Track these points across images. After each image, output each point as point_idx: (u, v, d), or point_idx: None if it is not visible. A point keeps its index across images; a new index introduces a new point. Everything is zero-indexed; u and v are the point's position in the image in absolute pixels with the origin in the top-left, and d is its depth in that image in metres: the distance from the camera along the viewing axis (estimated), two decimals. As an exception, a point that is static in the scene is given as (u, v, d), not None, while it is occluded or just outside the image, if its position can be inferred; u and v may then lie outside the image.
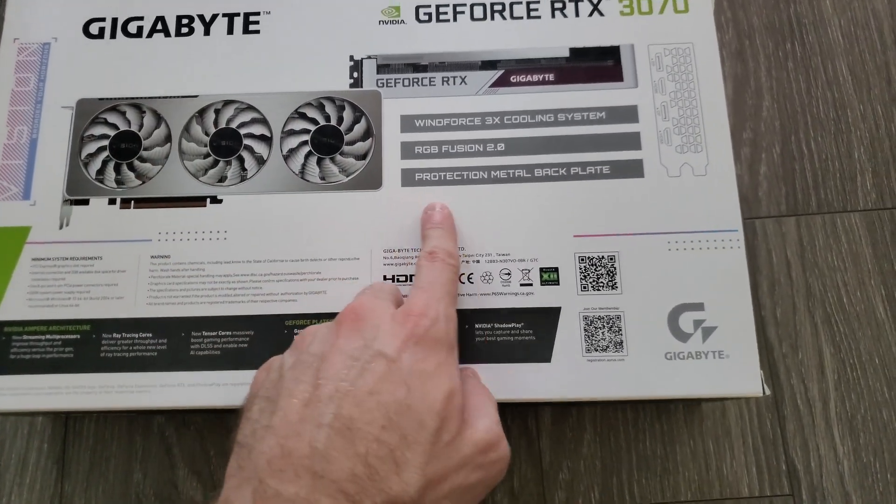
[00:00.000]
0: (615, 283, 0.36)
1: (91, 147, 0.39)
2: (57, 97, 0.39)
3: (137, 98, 0.39)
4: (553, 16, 0.40)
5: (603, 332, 0.35)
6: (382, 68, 0.39)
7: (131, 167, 0.38)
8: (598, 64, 0.39)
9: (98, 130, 0.39)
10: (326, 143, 0.38)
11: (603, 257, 0.36)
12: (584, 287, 0.36)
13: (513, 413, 0.43)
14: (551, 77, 0.39)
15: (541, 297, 0.36)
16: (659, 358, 0.35)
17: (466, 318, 0.36)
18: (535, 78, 0.39)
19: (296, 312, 0.36)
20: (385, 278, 0.36)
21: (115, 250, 0.37)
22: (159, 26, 0.41)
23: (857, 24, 0.50)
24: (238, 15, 0.41)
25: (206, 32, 0.40)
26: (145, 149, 0.39)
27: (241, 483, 0.26)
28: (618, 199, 0.37)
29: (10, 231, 0.37)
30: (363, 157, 0.38)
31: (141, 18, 0.41)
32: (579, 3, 0.40)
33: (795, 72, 0.49)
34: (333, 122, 0.39)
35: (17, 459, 0.43)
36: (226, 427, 0.43)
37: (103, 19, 0.41)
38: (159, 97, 0.39)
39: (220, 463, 0.42)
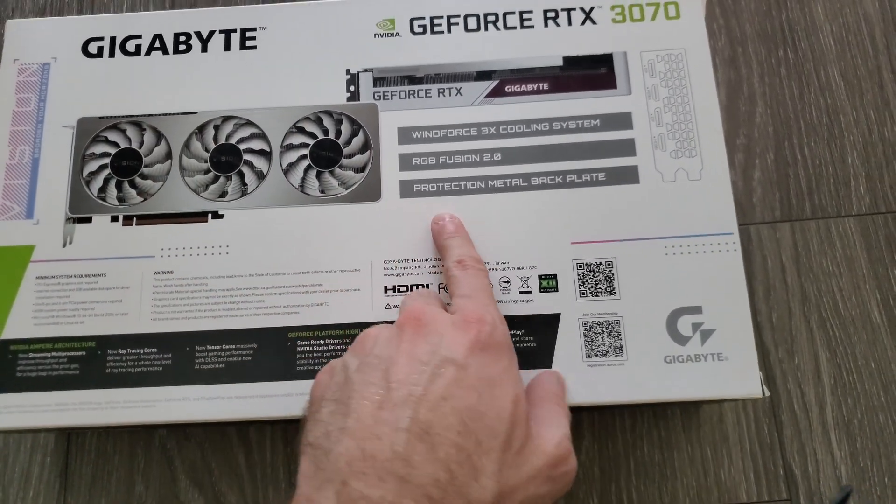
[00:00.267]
0: (613, 289, 0.36)
1: (92, 165, 0.39)
2: (58, 116, 0.40)
3: (137, 116, 0.40)
4: (546, 25, 0.41)
5: (602, 338, 0.36)
6: (379, 81, 0.40)
7: (133, 184, 0.39)
8: (592, 72, 0.40)
9: (99, 148, 0.39)
10: (325, 156, 0.39)
11: (601, 263, 0.37)
12: (583, 293, 0.36)
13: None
14: (545, 86, 0.40)
15: (540, 304, 0.36)
16: (659, 361, 0.35)
17: (467, 327, 0.36)
18: (530, 87, 0.40)
19: (298, 325, 0.36)
20: (386, 289, 0.37)
21: (119, 267, 0.37)
22: (157, 44, 0.41)
23: (849, 30, 0.51)
24: (235, 31, 0.41)
25: (204, 49, 0.41)
26: (146, 166, 0.39)
27: (322, 484, 0.26)
28: (614, 206, 0.37)
29: (15, 250, 0.37)
30: (362, 169, 0.39)
31: (139, 37, 0.41)
32: (572, 12, 0.41)
33: (788, 78, 0.50)
34: (332, 135, 0.39)
35: (21, 473, 0.43)
36: (226, 439, 0.43)
37: (102, 38, 0.41)
38: (159, 114, 0.40)
39: (221, 474, 0.43)
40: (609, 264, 0.37)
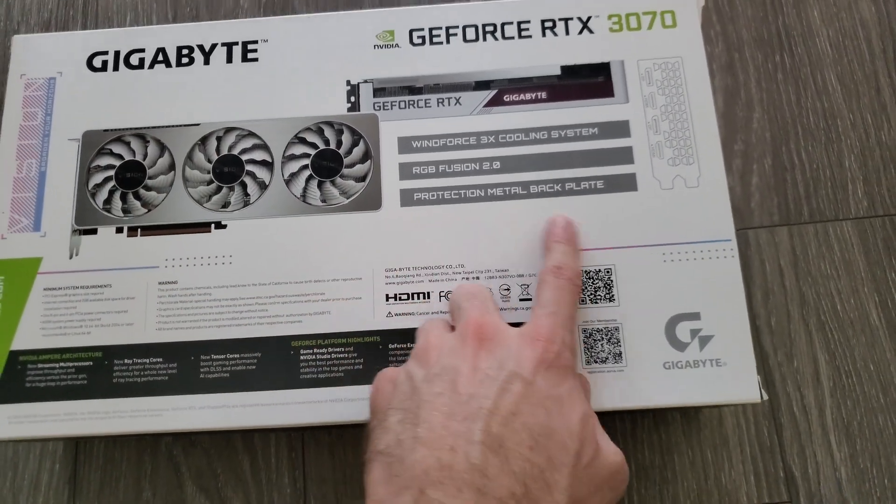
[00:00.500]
0: (612, 296, 0.37)
1: (98, 177, 0.40)
2: (63, 130, 0.40)
3: (141, 128, 0.40)
4: (544, 35, 0.41)
5: (602, 344, 0.36)
6: (379, 91, 0.40)
7: (137, 196, 0.39)
8: (590, 81, 0.40)
9: (104, 161, 0.40)
10: (326, 166, 0.39)
11: (599, 270, 0.37)
12: (582, 300, 0.37)
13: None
14: (544, 95, 0.40)
15: (539, 312, 0.37)
16: (658, 368, 0.36)
17: (467, 335, 0.36)
18: (528, 96, 0.40)
19: (301, 333, 0.37)
20: (387, 297, 0.37)
21: (124, 278, 0.38)
22: (160, 57, 0.42)
23: (845, 35, 0.51)
24: (236, 44, 0.42)
25: (206, 62, 0.42)
26: (150, 177, 0.40)
27: (399, 490, 0.27)
28: (612, 213, 0.38)
29: (22, 262, 0.38)
30: (363, 178, 0.39)
31: (142, 50, 0.42)
32: (569, 22, 0.41)
33: (785, 83, 0.50)
34: (333, 145, 0.40)
35: (30, 480, 0.44)
36: (232, 446, 0.44)
37: (106, 53, 0.42)
38: (162, 126, 0.40)
39: (226, 480, 0.43)
40: (608, 271, 0.37)
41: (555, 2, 0.41)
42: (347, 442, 0.44)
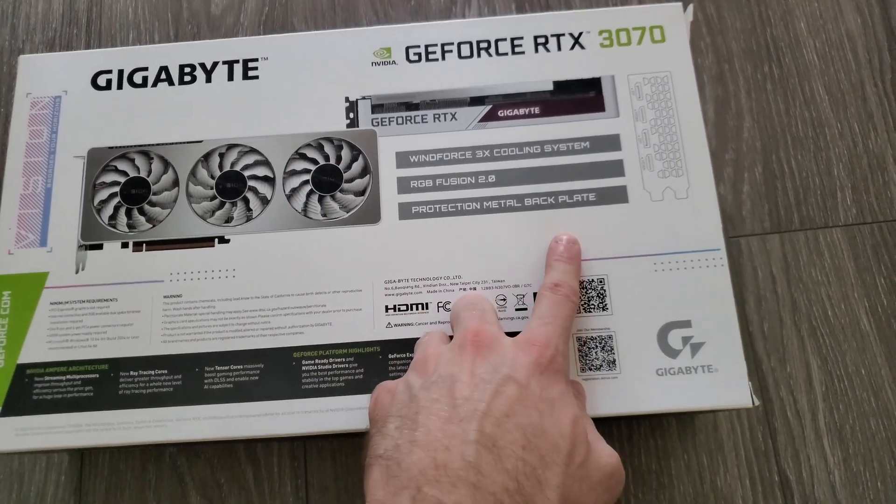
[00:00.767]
0: (605, 305, 0.38)
1: (103, 194, 0.40)
2: (69, 147, 0.41)
3: (145, 145, 0.41)
4: (536, 51, 0.42)
5: (596, 352, 0.37)
6: (377, 108, 0.41)
7: (142, 211, 0.40)
8: (581, 95, 0.41)
9: (109, 178, 0.41)
10: (327, 181, 0.40)
11: (593, 280, 0.38)
12: (577, 310, 0.38)
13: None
14: (537, 110, 0.41)
15: (535, 321, 0.38)
16: (651, 374, 0.37)
17: (465, 344, 0.37)
18: (522, 111, 0.41)
19: (303, 344, 0.38)
20: (387, 308, 0.38)
21: (130, 292, 0.39)
22: (163, 76, 0.43)
23: (832, 45, 0.52)
24: (237, 62, 0.43)
25: (208, 80, 0.43)
26: (154, 193, 0.40)
27: (397, 490, 0.28)
28: (604, 225, 0.39)
29: (29, 277, 0.39)
30: (362, 193, 0.40)
31: (146, 69, 0.43)
32: (561, 38, 0.42)
33: (774, 93, 0.51)
34: (332, 161, 0.41)
35: (36, 492, 0.44)
36: (235, 456, 0.44)
37: (110, 71, 0.43)
38: (166, 143, 0.41)
39: (230, 490, 0.44)
40: (601, 281, 0.38)
41: (547, 18, 0.43)
42: (348, 451, 0.44)
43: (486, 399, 0.29)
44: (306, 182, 0.40)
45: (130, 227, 0.40)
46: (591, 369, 0.37)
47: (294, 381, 0.37)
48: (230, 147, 0.41)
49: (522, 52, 0.42)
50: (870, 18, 0.52)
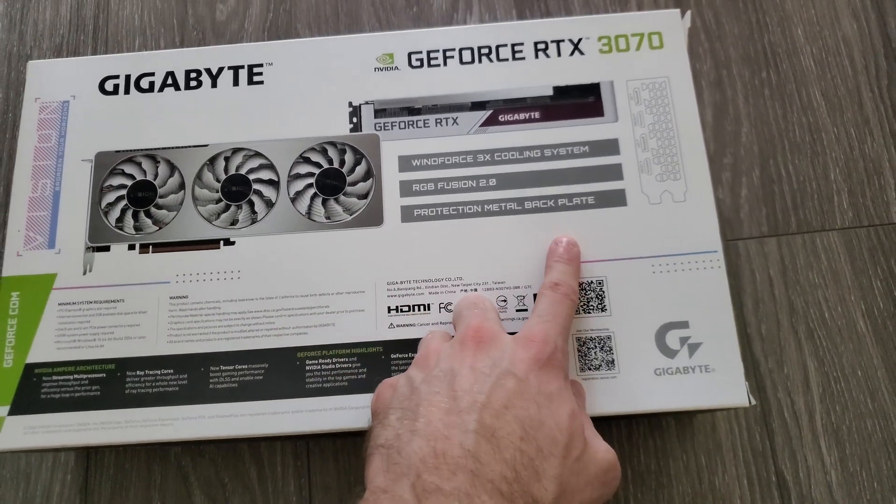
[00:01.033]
0: (604, 306, 0.38)
1: (110, 197, 0.41)
2: (77, 151, 0.42)
3: (152, 149, 0.42)
4: (536, 57, 0.43)
5: (595, 352, 0.38)
6: (380, 112, 0.42)
7: (148, 214, 0.41)
8: (580, 101, 0.42)
9: (116, 181, 0.41)
10: (330, 184, 0.41)
11: (592, 282, 0.39)
12: (576, 311, 0.38)
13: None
14: (537, 115, 0.42)
15: (535, 322, 0.38)
16: (649, 374, 0.37)
17: (466, 345, 0.38)
18: (522, 116, 0.42)
19: (307, 345, 0.38)
20: (389, 309, 0.39)
21: (136, 293, 0.39)
22: (169, 81, 0.43)
23: (829, 52, 0.53)
24: (243, 67, 0.43)
25: (214, 85, 0.43)
26: (161, 196, 0.41)
27: (397, 477, 0.28)
28: (603, 227, 0.39)
29: (38, 279, 0.40)
30: (365, 196, 0.41)
31: (152, 74, 0.44)
32: (561, 44, 0.43)
33: (772, 99, 0.52)
34: (336, 164, 0.41)
35: (43, 491, 0.45)
36: (239, 455, 0.45)
37: (117, 76, 0.44)
38: (172, 147, 0.42)
39: (233, 489, 0.44)
40: (600, 283, 0.39)
41: (547, 25, 0.43)
42: (351, 450, 0.45)
43: (485, 391, 0.30)
44: (310, 185, 0.41)
45: (137, 229, 0.41)
46: (590, 369, 0.37)
47: (298, 380, 0.38)
48: (235, 151, 0.42)
49: (523, 58, 0.43)
50: (866, 25, 0.53)
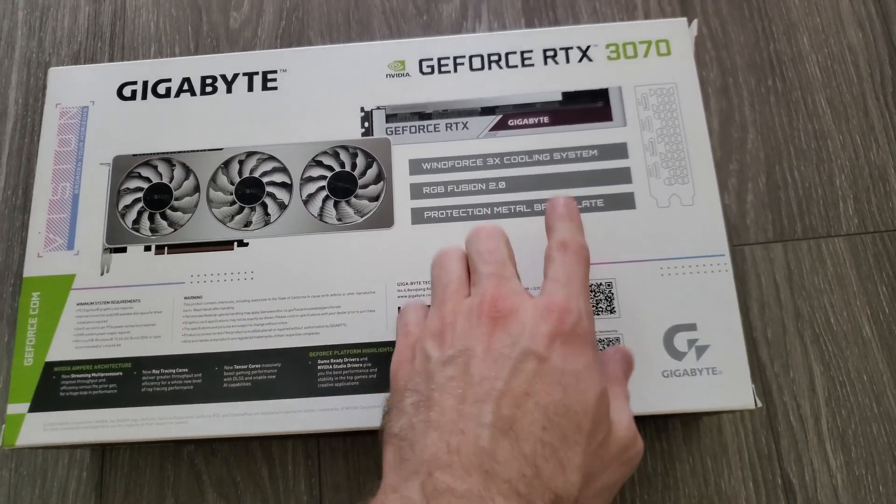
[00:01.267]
0: (613, 308, 0.39)
1: (127, 199, 0.42)
2: (95, 155, 0.43)
3: (168, 153, 0.43)
4: (545, 63, 0.44)
5: (603, 354, 0.38)
6: (391, 117, 0.43)
7: (164, 216, 0.42)
8: (589, 106, 0.42)
9: (133, 184, 0.42)
10: (342, 187, 0.42)
11: (601, 284, 0.39)
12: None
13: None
14: (546, 120, 0.42)
15: (543, 324, 0.39)
16: (656, 376, 0.38)
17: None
18: (531, 121, 0.42)
19: (319, 344, 0.39)
20: (399, 310, 0.39)
21: (152, 293, 0.40)
22: (186, 87, 0.44)
23: (834, 59, 0.53)
24: (257, 74, 0.44)
25: (229, 90, 0.44)
26: (176, 199, 0.42)
27: (408, 475, 0.27)
28: (612, 230, 0.40)
29: (57, 279, 0.40)
30: (376, 198, 0.41)
31: (169, 80, 0.44)
32: (569, 51, 0.44)
33: (777, 106, 0.52)
34: (348, 168, 0.42)
35: (59, 487, 0.46)
36: (251, 455, 0.46)
37: (135, 83, 0.45)
38: (188, 151, 0.43)
39: (245, 488, 0.45)
40: (609, 285, 0.39)
41: (556, 32, 0.44)
42: (361, 450, 0.45)
43: (504, 376, 0.28)
44: (322, 188, 0.42)
45: (153, 230, 0.41)
46: (597, 370, 0.38)
47: (310, 380, 0.38)
48: (249, 154, 0.43)
49: (532, 65, 0.43)
50: (871, 33, 0.54)
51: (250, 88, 0.44)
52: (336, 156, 0.42)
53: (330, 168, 0.42)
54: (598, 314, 0.39)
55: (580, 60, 0.43)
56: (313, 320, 0.39)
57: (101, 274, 0.41)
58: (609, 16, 0.55)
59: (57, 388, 0.39)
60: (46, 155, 0.43)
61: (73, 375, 0.39)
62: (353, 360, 0.39)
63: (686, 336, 0.38)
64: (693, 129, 0.41)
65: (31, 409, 0.38)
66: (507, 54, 0.44)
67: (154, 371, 0.39)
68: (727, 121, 0.52)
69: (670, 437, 0.45)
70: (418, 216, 0.41)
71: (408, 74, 0.44)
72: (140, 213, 0.42)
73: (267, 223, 0.41)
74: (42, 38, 0.57)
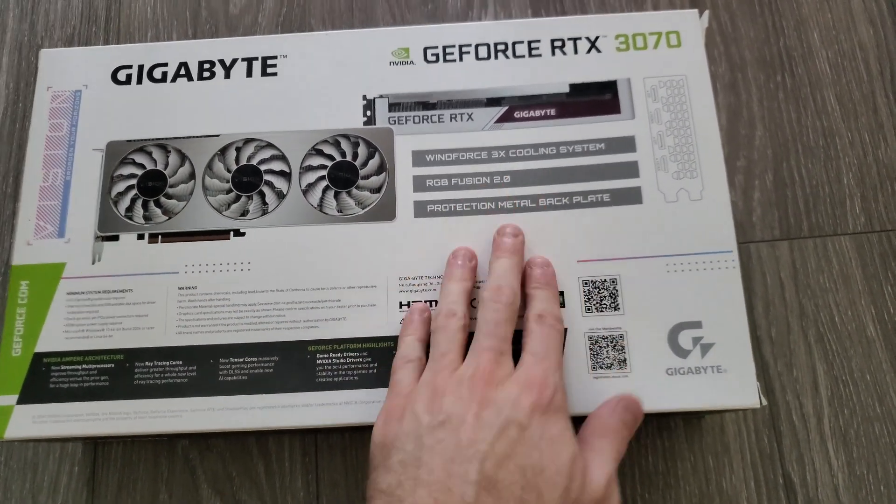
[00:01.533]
0: (618, 305, 0.38)
1: (120, 186, 0.41)
2: (88, 140, 0.42)
3: (163, 139, 0.42)
4: (553, 54, 0.43)
5: (607, 351, 0.37)
6: (394, 106, 0.42)
7: (158, 204, 0.41)
8: (597, 98, 0.42)
9: (126, 170, 0.41)
10: (343, 177, 0.41)
11: (605, 280, 0.38)
12: (589, 309, 0.38)
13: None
14: (553, 112, 0.41)
15: (548, 320, 0.38)
16: (661, 374, 0.37)
17: (478, 341, 0.37)
18: (538, 113, 0.41)
19: (317, 338, 0.38)
20: (401, 304, 0.38)
21: (145, 283, 0.39)
22: (182, 71, 0.43)
23: (844, 56, 0.53)
24: (256, 59, 0.43)
25: (227, 76, 0.43)
26: (171, 186, 0.41)
27: None
28: (618, 225, 0.39)
29: (47, 267, 0.39)
30: (377, 190, 0.40)
31: (165, 65, 0.43)
32: (578, 41, 0.43)
33: (786, 102, 0.52)
34: (349, 157, 0.41)
35: (50, 482, 0.45)
36: (246, 450, 0.45)
37: (130, 67, 0.43)
38: (183, 137, 0.42)
39: (241, 483, 0.44)
40: (613, 281, 0.38)
41: (564, 22, 0.43)
42: (359, 446, 0.45)
43: (488, 440, 0.31)
44: (322, 178, 0.41)
45: (147, 219, 0.40)
46: (602, 368, 0.37)
47: (308, 374, 0.37)
48: (247, 141, 0.42)
49: (539, 55, 0.43)
50: (882, 30, 0.53)
51: (249, 74, 0.43)
52: (337, 145, 0.41)
53: (330, 157, 0.41)
54: (602, 311, 0.38)
55: (588, 51, 0.42)
56: (312, 313, 0.38)
57: (93, 263, 0.39)
58: (618, 7, 0.54)
59: (46, 379, 0.38)
60: (37, 140, 0.42)
61: (63, 367, 0.38)
62: (353, 354, 0.38)
63: (691, 333, 0.37)
64: (703, 122, 0.41)
65: (20, 402, 0.37)
66: (514, 43, 0.43)
67: (147, 363, 0.38)
68: (735, 117, 0.51)
69: (672, 434, 0.45)
70: (421, 209, 0.40)
71: (412, 62, 0.43)
72: (133, 201, 0.41)
73: (265, 213, 0.40)
74: (34, 21, 0.56)
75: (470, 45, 0.43)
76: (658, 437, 0.45)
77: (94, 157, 0.41)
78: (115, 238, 0.40)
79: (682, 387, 0.37)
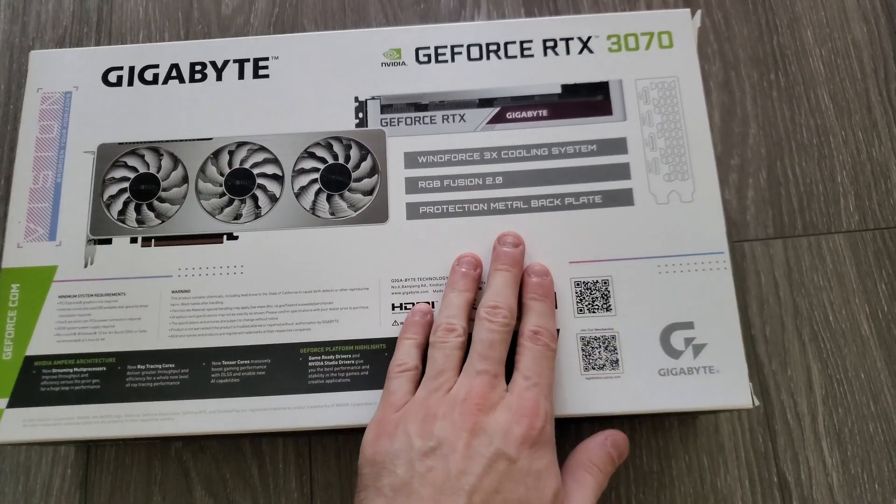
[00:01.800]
0: (609, 306, 0.38)
1: (112, 189, 0.41)
2: (79, 143, 0.42)
3: (155, 142, 0.42)
4: (545, 54, 0.43)
5: (599, 352, 0.37)
6: (386, 108, 0.42)
7: (151, 207, 0.41)
8: (589, 99, 0.42)
9: (119, 173, 0.41)
10: (335, 180, 0.41)
11: (597, 281, 0.38)
12: (581, 310, 0.38)
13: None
14: (545, 113, 0.41)
15: (540, 322, 0.38)
16: (653, 374, 0.37)
17: (470, 343, 0.37)
18: (530, 114, 0.41)
19: (310, 341, 0.38)
20: (393, 307, 0.38)
21: (138, 286, 0.39)
22: (174, 73, 0.43)
23: (838, 54, 0.52)
24: (248, 61, 0.43)
25: (219, 78, 0.43)
26: (164, 189, 0.41)
27: None
28: (610, 227, 0.39)
29: (38, 270, 0.39)
30: (370, 192, 0.40)
31: (156, 66, 0.43)
32: (570, 42, 0.43)
33: (780, 100, 0.52)
34: (341, 160, 0.41)
35: (42, 485, 0.45)
36: (240, 451, 0.45)
37: (121, 68, 0.43)
38: (176, 140, 0.42)
39: (235, 485, 0.44)
40: (605, 282, 0.38)
41: (556, 22, 0.43)
42: (353, 448, 0.45)
43: (477, 473, 0.32)
44: (315, 181, 0.41)
45: (139, 222, 0.40)
46: (594, 368, 0.37)
47: (301, 376, 0.37)
48: (240, 145, 0.41)
49: (531, 56, 0.42)
50: (876, 28, 0.53)
51: (241, 76, 0.43)
52: (329, 147, 0.41)
53: (323, 160, 0.41)
54: (594, 312, 0.38)
55: (581, 52, 0.42)
56: (305, 316, 0.38)
57: (85, 266, 0.39)
58: (610, 6, 0.54)
59: (37, 383, 0.38)
60: (27, 141, 0.41)
61: (54, 370, 0.38)
62: (346, 356, 0.38)
63: (683, 334, 0.38)
64: (694, 125, 0.41)
65: (10, 405, 0.37)
66: (506, 44, 0.43)
67: (139, 366, 0.38)
68: (729, 115, 0.51)
69: (666, 434, 0.45)
70: (413, 211, 0.40)
71: (404, 63, 0.43)
72: (126, 204, 0.41)
73: (257, 216, 0.40)
74: (25, 22, 0.55)
75: (462, 46, 0.43)
76: (652, 437, 0.45)
77: (86, 160, 0.41)
78: (108, 241, 0.40)
79: (675, 387, 0.37)
